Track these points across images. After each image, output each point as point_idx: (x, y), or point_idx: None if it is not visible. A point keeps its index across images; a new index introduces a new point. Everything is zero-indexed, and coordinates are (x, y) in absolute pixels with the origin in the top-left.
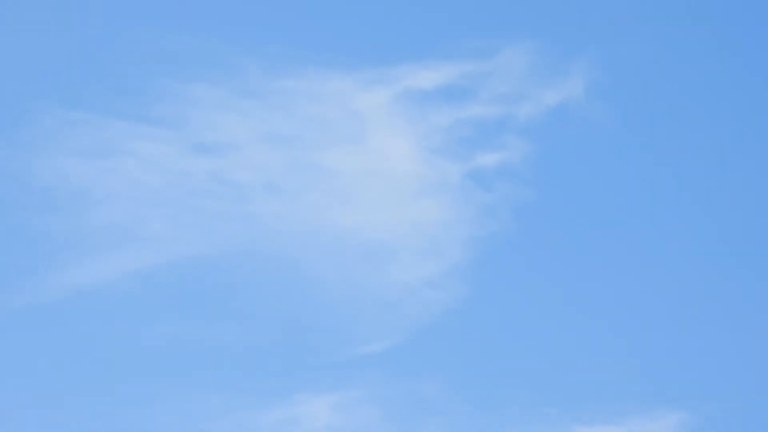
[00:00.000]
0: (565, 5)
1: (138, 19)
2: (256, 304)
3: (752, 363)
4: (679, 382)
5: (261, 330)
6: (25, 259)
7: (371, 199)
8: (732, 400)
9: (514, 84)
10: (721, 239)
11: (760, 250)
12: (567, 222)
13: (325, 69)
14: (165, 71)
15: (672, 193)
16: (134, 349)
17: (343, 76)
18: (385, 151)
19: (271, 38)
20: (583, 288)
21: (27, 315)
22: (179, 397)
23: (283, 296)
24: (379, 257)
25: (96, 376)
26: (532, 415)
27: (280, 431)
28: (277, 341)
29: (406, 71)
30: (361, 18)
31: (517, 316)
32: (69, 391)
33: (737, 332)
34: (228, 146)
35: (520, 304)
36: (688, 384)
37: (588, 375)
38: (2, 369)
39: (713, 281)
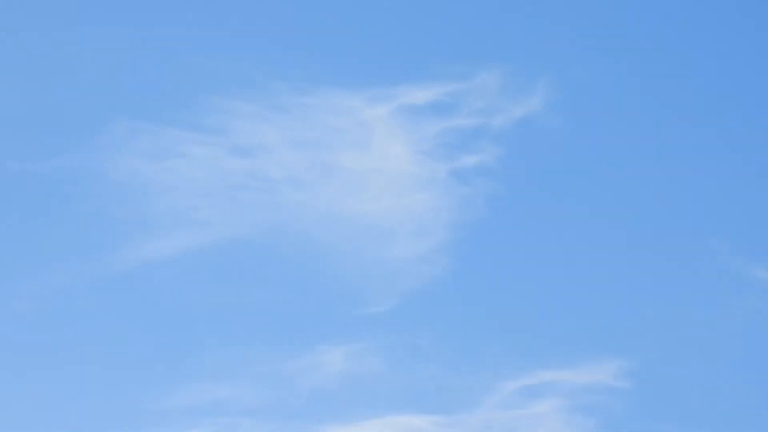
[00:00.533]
0: (527, 36)
1: (191, 48)
2: (284, 274)
3: (683, 316)
4: (619, 333)
5: (288, 295)
6: (103, 239)
7: (375, 192)
8: (666, 349)
9: (488, 100)
10: (657, 219)
11: (695, 224)
12: (530, 210)
13: (339, 89)
14: (212, 89)
15: (611, 184)
16: (188, 310)
17: (353, 94)
18: (386, 154)
19: (296, 64)
20: (541, 260)
21: (106, 282)
22: (227, 349)
23: (305, 268)
24: (381, 237)
25: (158, 331)
26: (503, 362)
27: (306, 375)
28: (301, 304)
29: (402, 90)
30: (367, 47)
31: (490, 283)
32: (139, 340)
33: (669, 291)
34: (261, 149)
35: (492, 274)
36: (627, 335)
37: (546, 329)
38: (86, 326)
39: (647, 253)
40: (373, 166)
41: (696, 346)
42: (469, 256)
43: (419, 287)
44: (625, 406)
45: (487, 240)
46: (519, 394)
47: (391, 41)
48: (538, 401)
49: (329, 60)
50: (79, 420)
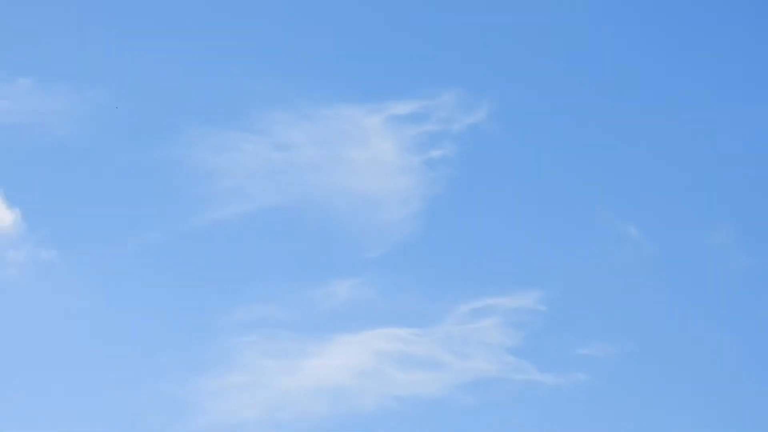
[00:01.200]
0: (475, 65)
1: (245, 72)
2: (307, 231)
3: (581, 261)
4: (538, 273)
5: (310, 245)
6: (184, 207)
7: (371, 175)
8: (569, 285)
9: (448, 112)
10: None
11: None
12: (477, 188)
13: (346, 103)
14: (259, 103)
15: (533, 171)
16: (243, 255)
17: (356, 107)
18: (380, 148)
19: (317, 86)
20: (485, 220)
21: (186, 236)
22: (268, 282)
23: (321, 227)
24: (375, 206)
25: (222, 270)
26: (459, 291)
27: (323, 300)
28: (319, 251)
29: (390, 105)
30: (366, 75)
31: (450, 237)
32: (209, 275)
33: (572, 244)
34: (292, 145)
35: (452, 231)
36: (543, 275)
37: (489, 269)
38: (173, 266)
39: (557, 218)
40: (370, 157)
41: (590, 282)
42: (435, 219)
43: (401, 240)
44: (543, 323)
45: (448, 208)
46: (470, 313)
47: (382, 70)
48: (483, 319)
49: (340, 83)
50: (168, 329)
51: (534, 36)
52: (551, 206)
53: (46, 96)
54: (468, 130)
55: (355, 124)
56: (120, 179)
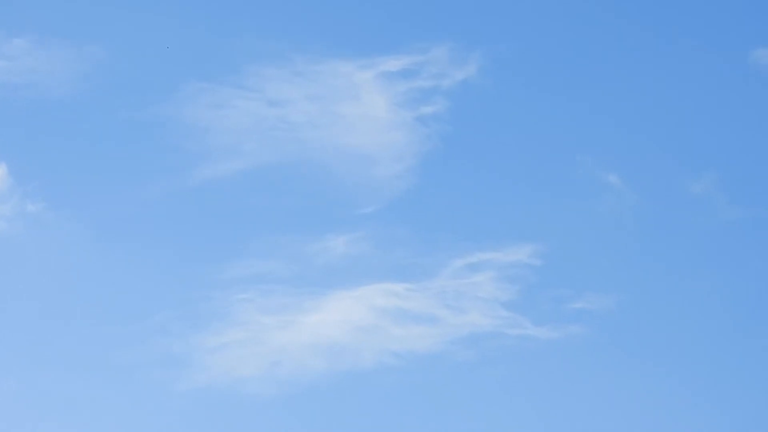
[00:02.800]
0: (464, 20)
1: (239, 29)
2: (303, 187)
3: (567, 212)
4: (531, 228)
5: (306, 201)
6: (180, 164)
7: (364, 131)
8: (559, 239)
9: (439, 68)
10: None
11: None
12: (468, 143)
13: (339, 59)
14: (253, 60)
15: (520, 125)
16: (239, 211)
17: (348, 63)
18: (372, 105)
19: (309, 42)
20: (478, 174)
21: (182, 193)
22: (265, 237)
23: (317, 182)
24: (369, 162)
25: (218, 226)
26: (454, 246)
27: (319, 255)
28: (315, 206)
29: (382, 60)
30: (358, 30)
31: (444, 192)
32: (206, 232)
33: (557, 196)
34: (286, 102)
35: (445, 185)
36: (535, 230)
37: (484, 224)
38: (169, 222)
39: (544, 168)
40: (363, 113)
41: (581, 235)
42: (428, 175)
43: (395, 195)
44: (536, 277)
45: (440, 163)
46: (464, 268)
47: (373, 26)
48: (477, 274)
49: (332, 39)
50: (164, 286)
51: None
52: (541, 160)
53: (42, 55)
54: (459, 85)
55: (347, 80)
56: (114, 136)
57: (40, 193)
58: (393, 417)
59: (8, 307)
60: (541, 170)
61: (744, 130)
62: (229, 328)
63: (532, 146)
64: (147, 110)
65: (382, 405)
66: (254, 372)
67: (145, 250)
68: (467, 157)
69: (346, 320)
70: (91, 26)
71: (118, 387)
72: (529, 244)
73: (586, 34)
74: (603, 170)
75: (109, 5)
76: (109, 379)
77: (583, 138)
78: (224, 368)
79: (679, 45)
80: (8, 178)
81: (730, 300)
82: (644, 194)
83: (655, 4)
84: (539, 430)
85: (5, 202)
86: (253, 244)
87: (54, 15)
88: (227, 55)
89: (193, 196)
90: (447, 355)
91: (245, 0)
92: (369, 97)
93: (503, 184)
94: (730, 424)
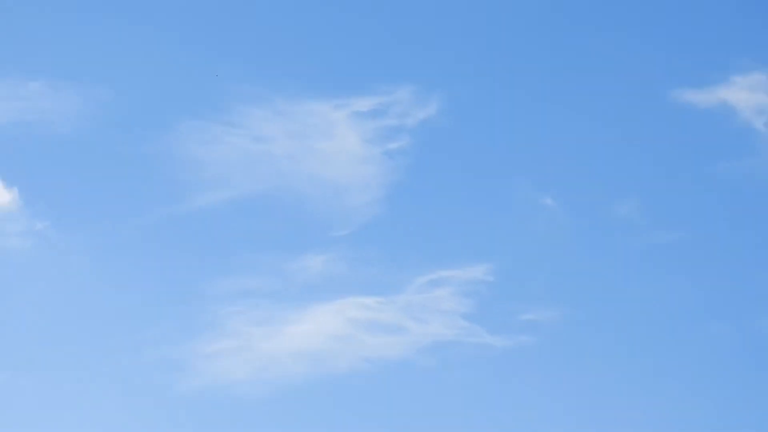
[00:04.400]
0: (426, 65)
1: (228, 73)
2: (284, 212)
3: (508, 235)
4: (484, 250)
5: (286, 224)
6: (174, 193)
7: (338, 164)
8: (508, 259)
9: (403, 107)
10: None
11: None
12: (429, 174)
13: (315, 100)
14: (240, 100)
15: (474, 155)
16: (227, 233)
17: (324, 103)
18: (344, 140)
19: (289, 85)
20: (438, 202)
21: (176, 218)
22: (250, 255)
23: (296, 209)
24: (343, 190)
25: (209, 246)
26: (418, 264)
27: (299, 272)
28: (294, 229)
29: (353, 101)
30: (332, 74)
31: (407, 218)
32: (198, 251)
33: (499, 219)
34: (268, 138)
35: (408, 212)
36: (488, 251)
37: (443, 245)
38: (164, 244)
39: (489, 194)
40: (336, 148)
41: (527, 254)
42: (394, 202)
43: (365, 220)
44: (490, 292)
45: (405, 193)
46: (427, 284)
47: (345, 70)
48: (439, 289)
49: (309, 82)
50: (161, 299)
51: (476, 39)
52: (490, 187)
53: (53, 97)
54: (420, 124)
55: (322, 118)
56: (116, 167)
57: (47, 213)
58: (365, 416)
59: (17, 314)
60: (490, 197)
61: (663, 160)
62: (221, 337)
63: (482, 176)
64: (146, 145)
65: (355, 405)
66: (243, 376)
67: (144, 267)
68: (428, 187)
69: (323, 330)
70: (96, 71)
71: (122, 389)
72: (483, 262)
73: (525, 76)
74: (539, 193)
75: (113, 52)
76: (113, 382)
77: (523, 165)
78: (217, 373)
79: (608, 84)
80: (19, 200)
81: (655, 311)
82: (575, 216)
83: (586, 46)
84: (493, 427)
85: (16, 221)
86: (240, 263)
87: (64, 61)
88: (217, 97)
89: (187, 221)
90: (412, 361)
91: (233, 47)
92: (342, 133)
93: (459, 210)
94: (665, 422)
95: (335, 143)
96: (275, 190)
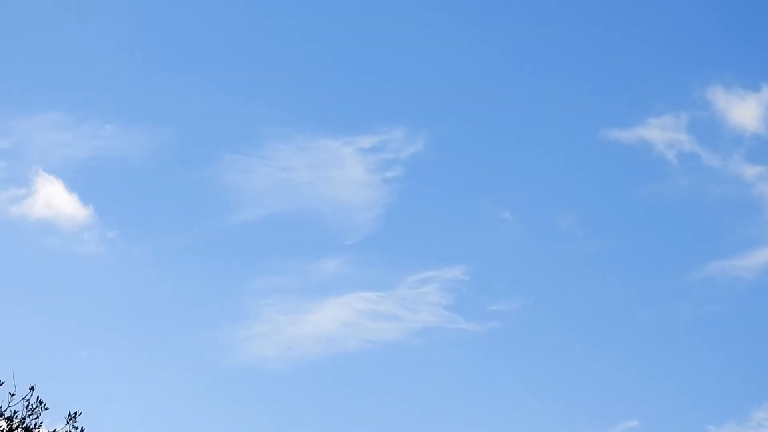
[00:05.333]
0: (415, 107)
1: (260, 116)
2: (303, 226)
3: (490, 233)
4: (460, 254)
5: (305, 236)
6: (218, 210)
7: (347, 189)
8: (481, 261)
9: (397, 145)
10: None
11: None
12: (417, 197)
13: (330, 139)
14: (269, 139)
15: (453, 182)
16: (258, 246)
17: (336, 141)
18: (352, 170)
19: (310, 127)
20: (426, 216)
21: (214, 234)
22: (278, 261)
23: (313, 224)
24: (351, 209)
25: (242, 257)
26: (410, 267)
27: (318, 274)
28: (313, 241)
29: (359, 139)
30: (344, 120)
31: (402, 232)
32: (232, 261)
33: (483, 217)
34: (292, 168)
35: (402, 228)
36: (463, 255)
37: (430, 252)
38: (202, 255)
39: (463, 214)
40: (346, 177)
41: (489, 258)
42: (391, 219)
43: (368, 233)
44: (466, 288)
45: (399, 211)
46: (417, 282)
47: (353, 115)
48: (426, 286)
49: (324, 124)
50: (210, 295)
51: (452, 93)
52: (465, 207)
53: (124, 136)
54: (411, 157)
55: (334, 153)
56: (172, 190)
57: (115, 225)
58: (368, 384)
59: (94, 303)
60: (464, 213)
61: (596, 184)
62: (255, 323)
63: (457, 197)
64: (196, 173)
65: (360, 376)
66: (273, 354)
67: (194, 268)
68: (416, 206)
69: (336, 318)
70: (157, 115)
71: (179, 364)
72: (460, 264)
73: (490, 120)
74: (500, 210)
75: (171, 100)
76: (172, 358)
77: (488, 188)
78: (252, 351)
79: (554, 125)
80: (94, 214)
81: (592, 302)
82: (528, 227)
83: (538, 95)
84: (468, 392)
85: (91, 231)
86: (270, 266)
87: (132, 108)
88: (252, 136)
89: (228, 233)
90: (405, 342)
91: (265, 97)
92: (349, 165)
93: (441, 224)
94: (599, 384)
95: (344, 172)
96: (298, 209)
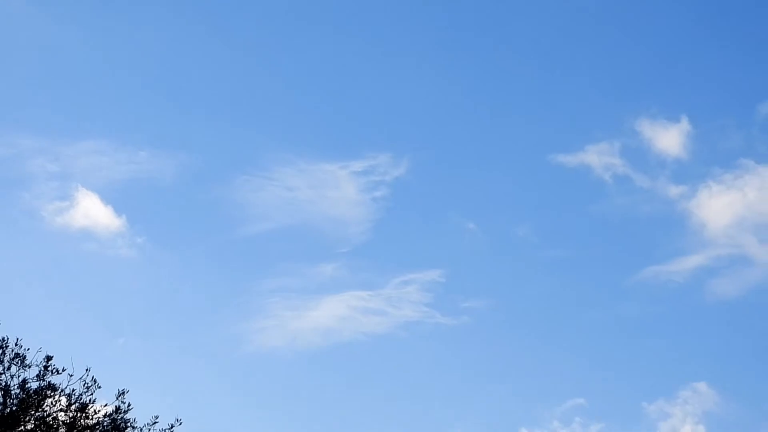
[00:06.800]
0: (399, 135)
1: (267, 144)
2: (304, 238)
3: (456, 242)
4: (437, 255)
5: (306, 246)
6: (231, 223)
7: (342, 205)
8: (460, 261)
9: (384, 168)
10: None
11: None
12: (400, 213)
13: (328, 163)
14: (275, 163)
15: (430, 200)
16: (266, 256)
17: (333, 165)
18: (346, 190)
19: (311, 153)
20: (404, 229)
21: (233, 241)
22: (290, 266)
23: (314, 235)
24: (344, 223)
25: (255, 263)
26: (395, 271)
27: (317, 275)
28: (312, 249)
29: (351, 164)
30: (339, 147)
31: (387, 239)
32: (246, 266)
33: (451, 234)
34: (295, 188)
35: (388, 237)
36: (441, 256)
37: (410, 257)
38: (216, 262)
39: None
40: (341, 196)
41: (460, 263)
42: (378, 231)
43: (360, 242)
44: (442, 288)
45: (384, 225)
46: (401, 283)
47: (347, 144)
48: (408, 286)
49: (323, 151)
50: (226, 294)
51: (428, 125)
52: (438, 219)
53: (154, 161)
54: (395, 179)
55: (331, 175)
56: (193, 206)
57: (144, 233)
58: (360, 370)
59: (126, 299)
60: (437, 225)
61: (548, 200)
62: (265, 318)
63: (431, 212)
64: (213, 191)
65: (354, 363)
66: (280, 344)
67: (212, 271)
68: (400, 220)
69: (333, 314)
70: (181, 143)
71: (201, 353)
72: (436, 268)
73: (458, 147)
74: (466, 221)
75: (192, 129)
76: (195, 347)
77: (456, 203)
78: (262, 342)
79: (511, 150)
80: (126, 223)
81: (546, 303)
82: (491, 236)
83: (496, 126)
84: (444, 376)
85: (123, 237)
86: (277, 270)
87: (161, 136)
88: (261, 160)
89: (241, 242)
90: (392, 334)
91: (272, 128)
92: (344, 186)
93: (419, 234)
94: (550, 371)
95: (339, 192)
96: (300, 222)
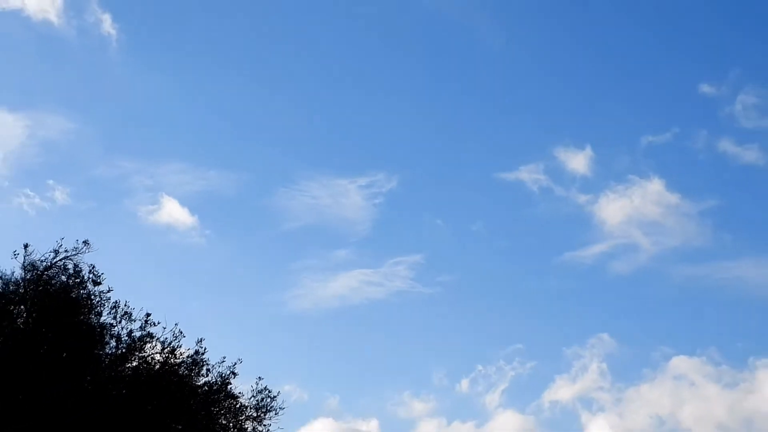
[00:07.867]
0: (392, 152)
1: (296, 164)
2: (325, 232)
3: (435, 236)
4: (418, 246)
5: (326, 238)
6: (270, 222)
7: (351, 210)
8: (432, 253)
9: (381, 183)
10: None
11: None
12: (394, 216)
13: (340, 179)
14: (302, 179)
15: (422, 206)
16: (297, 248)
17: (344, 180)
18: (353, 199)
19: (326, 171)
20: (398, 228)
21: (275, 235)
22: (311, 254)
23: (331, 230)
24: (352, 222)
25: (288, 251)
26: (389, 254)
27: (333, 258)
28: (330, 240)
29: (358, 179)
30: (348, 167)
31: (385, 234)
32: (283, 251)
33: (417, 228)
34: (317, 197)
35: (385, 232)
36: (421, 246)
37: (397, 244)
38: (256, 248)
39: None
40: (350, 202)
41: (433, 249)
42: (377, 227)
43: (364, 235)
44: (422, 267)
45: (382, 224)
46: (393, 264)
47: (354, 165)
48: (398, 266)
49: (337, 170)
50: (268, 272)
51: (412, 150)
52: (418, 220)
53: (218, 179)
54: (389, 191)
55: (343, 188)
56: (246, 208)
57: (211, 227)
58: (366, 324)
59: (195, 273)
60: (418, 223)
61: (494, 205)
62: (298, 289)
63: (413, 215)
64: (261, 199)
65: (361, 319)
66: (309, 306)
67: (259, 256)
68: (392, 220)
69: (345, 285)
70: (240, 163)
71: (252, 313)
72: (418, 253)
73: (433, 169)
74: (435, 219)
75: (248, 153)
76: (248, 308)
77: (430, 207)
78: (297, 305)
79: (470, 167)
80: (198, 220)
81: (496, 276)
82: (454, 230)
83: (464, 147)
84: (424, 331)
85: (195, 230)
86: (305, 255)
87: (225, 158)
88: (295, 177)
89: (280, 236)
90: (387, 300)
91: (300, 152)
92: (353, 195)
93: (405, 229)
94: (494, 331)
95: (349, 200)
96: (322, 221)
